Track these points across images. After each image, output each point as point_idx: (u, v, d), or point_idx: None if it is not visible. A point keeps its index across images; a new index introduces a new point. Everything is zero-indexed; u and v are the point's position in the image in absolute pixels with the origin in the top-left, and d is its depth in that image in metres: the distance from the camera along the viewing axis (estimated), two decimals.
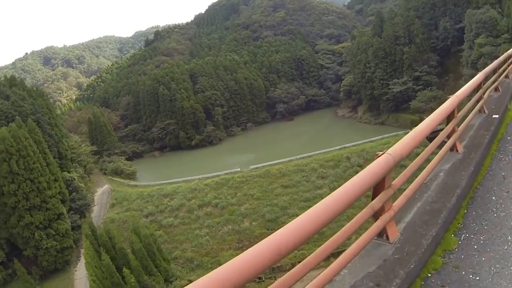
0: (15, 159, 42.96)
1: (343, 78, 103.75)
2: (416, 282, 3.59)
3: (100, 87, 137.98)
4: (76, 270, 44.57)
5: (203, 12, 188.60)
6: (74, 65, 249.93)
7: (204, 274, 2.00)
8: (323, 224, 2.58)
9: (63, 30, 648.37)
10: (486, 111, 8.15)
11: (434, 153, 5.04)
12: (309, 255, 2.79)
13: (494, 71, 9.85)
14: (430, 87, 78.24)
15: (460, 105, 5.74)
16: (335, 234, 3.04)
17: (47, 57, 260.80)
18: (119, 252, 38.46)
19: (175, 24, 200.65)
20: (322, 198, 2.80)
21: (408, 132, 4.25)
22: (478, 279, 3.60)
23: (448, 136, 5.74)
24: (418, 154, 4.69)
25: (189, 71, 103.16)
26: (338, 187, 2.98)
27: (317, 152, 58.52)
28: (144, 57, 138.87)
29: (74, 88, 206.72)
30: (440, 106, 5.10)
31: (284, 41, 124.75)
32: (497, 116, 7.80)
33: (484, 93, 8.18)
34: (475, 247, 4.08)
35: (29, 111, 55.98)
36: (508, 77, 12.66)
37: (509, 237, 4.14)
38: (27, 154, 44.04)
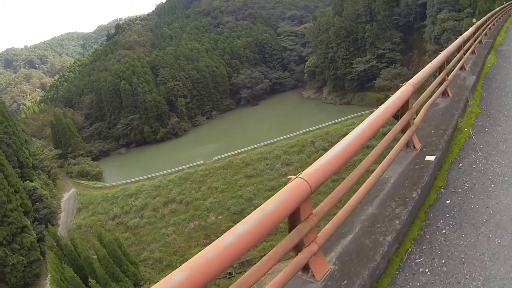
0: None
1: (307, 59, 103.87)
2: None
3: (63, 87, 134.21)
4: (46, 283, 43.68)
5: (164, 1, 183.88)
6: (37, 65, 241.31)
7: None
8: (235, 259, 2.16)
9: (23, 30, 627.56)
10: (451, 94, 7.41)
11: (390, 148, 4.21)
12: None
13: (459, 48, 9.28)
14: (394, 65, 78.72)
15: (415, 93, 4.80)
16: (254, 266, 2.45)
17: (8, 59, 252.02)
18: (85, 261, 37.92)
19: (136, 16, 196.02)
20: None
21: (373, 111, 3.80)
22: None
23: (403, 131, 4.85)
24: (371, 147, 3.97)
25: (150, 64, 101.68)
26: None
27: (280, 138, 58.28)
28: (106, 52, 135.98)
29: (38, 90, 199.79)
30: (388, 99, 4.21)
31: (245, 25, 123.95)
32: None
33: (448, 73, 7.50)
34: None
35: None
36: (475, 53, 12.01)
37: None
38: None
